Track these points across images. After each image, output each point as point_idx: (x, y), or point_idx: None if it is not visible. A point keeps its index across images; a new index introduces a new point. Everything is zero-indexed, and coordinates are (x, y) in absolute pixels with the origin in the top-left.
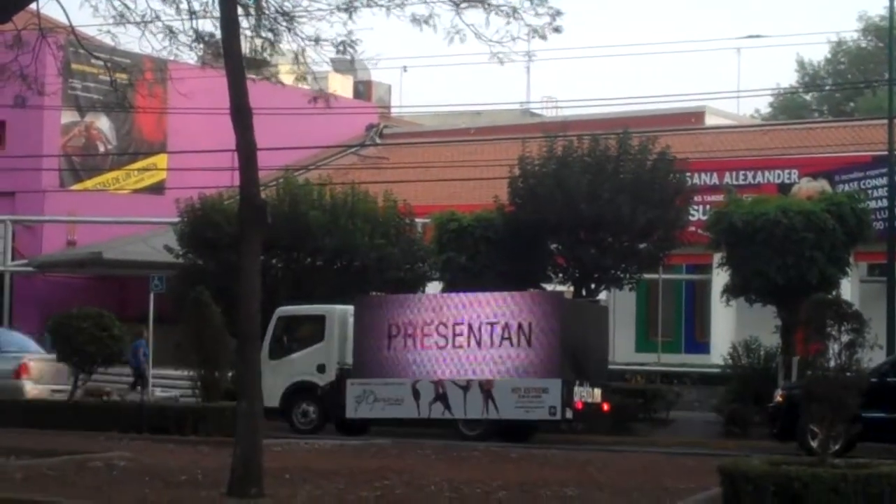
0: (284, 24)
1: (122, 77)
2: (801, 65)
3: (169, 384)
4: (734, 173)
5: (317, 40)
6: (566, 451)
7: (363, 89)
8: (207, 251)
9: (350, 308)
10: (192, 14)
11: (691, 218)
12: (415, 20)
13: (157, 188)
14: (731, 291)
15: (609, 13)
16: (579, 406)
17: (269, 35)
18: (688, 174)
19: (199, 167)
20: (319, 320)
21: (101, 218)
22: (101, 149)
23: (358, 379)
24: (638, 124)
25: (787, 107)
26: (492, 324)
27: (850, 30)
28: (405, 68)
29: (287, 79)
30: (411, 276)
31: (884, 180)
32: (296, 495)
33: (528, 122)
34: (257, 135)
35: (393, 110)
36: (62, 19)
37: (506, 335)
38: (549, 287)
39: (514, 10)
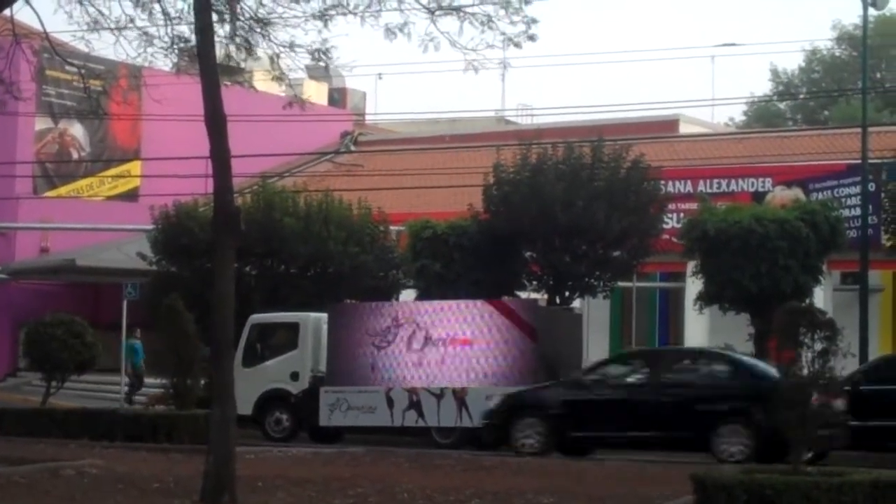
0: (259, 30)
1: (96, 84)
2: (775, 73)
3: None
4: (708, 181)
5: (292, 47)
6: (540, 460)
7: (338, 96)
8: (181, 258)
9: (324, 316)
10: (167, 20)
11: (665, 226)
12: (388, 31)
13: (131, 195)
14: (704, 299)
15: (583, 21)
16: None
17: (244, 41)
18: (662, 182)
19: (174, 174)
20: (293, 328)
21: (75, 225)
22: (75, 155)
23: (331, 387)
24: (612, 132)
25: (761, 115)
26: (466, 331)
27: (824, 38)
28: (380, 75)
29: (262, 86)
30: (385, 283)
31: (857, 189)
32: (268, 503)
33: (502, 129)
34: (232, 142)
35: (368, 117)
36: (36, 25)
37: (480, 343)
38: (523, 294)
39: (489, 18)
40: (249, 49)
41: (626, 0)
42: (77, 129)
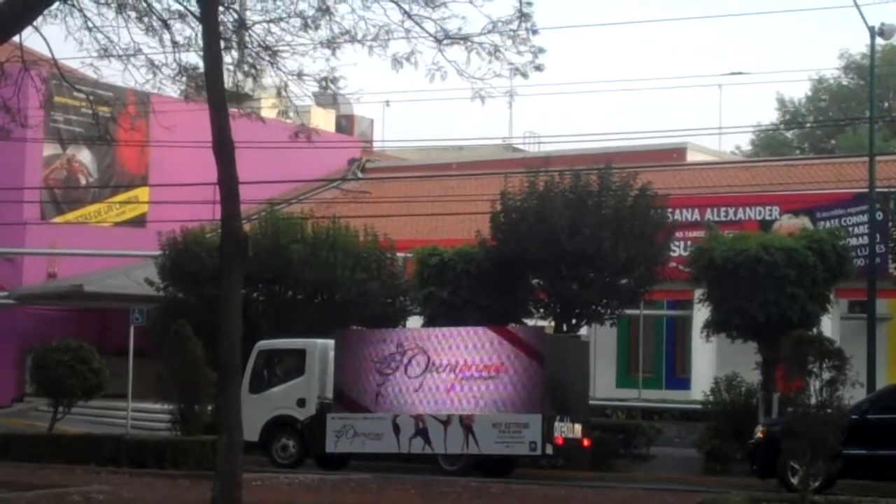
0: (267, 58)
1: (104, 110)
2: (783, 102)
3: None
4: (715, 210)
5: (300, 75)
6: (546, 487)
7: (345, 123)
8: (188, 284)
9: (331, 342)
10: (176, 47)
11: (672, 254)
12: (396, 61)
13: (139, 221)
14: (711, 327)
15: (591, 49)
16: (560, 441)
17: (252, 69)
18: (669, 210)
19: (181, 200)
20: (300, 354)
21: (82, 250)
22: (83, 181)
23: (338, 413)
24: (620, 160)
25: (769, 144)
26: (472, 358)
27: (831, 67)
28: (388, 103)
29: (270, 113)
30: (392, 310)
31: (864, 217)
32: None
33: (510, 157)
34: (239, 168)
35: (375, 145)
36: (45, 52)
37: (486, 370)
38: (530, 322)
39: (496, 48)
40: (257, 77)
41: (634, 28)
42: (85, 155)
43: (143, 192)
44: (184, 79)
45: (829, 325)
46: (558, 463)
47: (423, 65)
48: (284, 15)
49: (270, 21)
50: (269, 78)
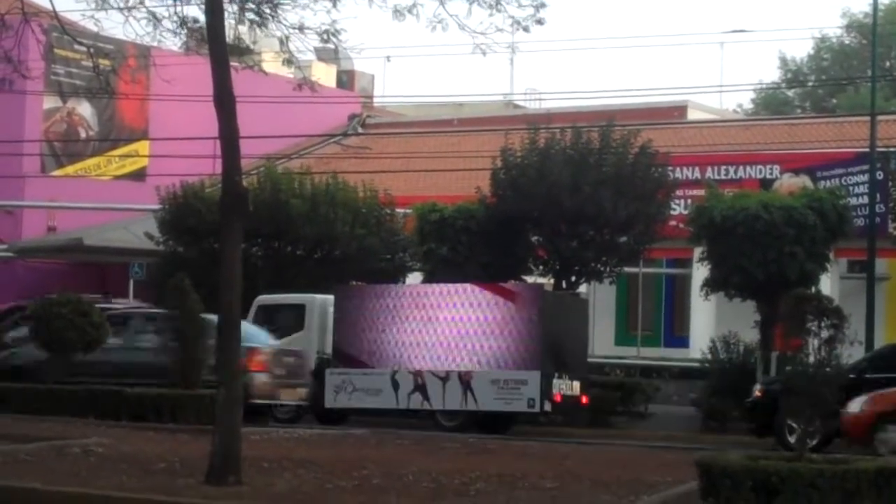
0: (268, 10)
1: (105, 63)
2: (784, 61)
3: None
4: (716, 168)
5: (301, 28)
6: (544, 444)
7: (346, 79)
8: (188, 238)
9: (330, 297)
10: None
11: (672, 212)
12: (397, 12)
13: (139, 175)
14: (710, 286)
15: (593, 6)
16: (558, 398)
17: (254, 21)
18: (669, 168)
19: (181, 154)
20: (299, 309)
21: (82, 204)
22: (83, 135)
23: (337, 368)
24: (621, 117)
25: (770, 102)
26: (471, 315)
27: (834, 26)
28: (388, 58)
29: (270, 67)
30: (392, 266)
31: (865, 177)
32: (274, 484)
33: (510, 113)
34: (240, 123)
35: (376, 100)
36: (45, 4)
37: (486, 326)
38: (529, 279)
39: (498, 1)
40: (258, 29)
41: None
42: (85, 109)
43: (142, 146)
44: (185, 32)
45: (828, 284)
46: (556, 420)
47: (424, 17)
48: None
49: None
50: (271, 32)
